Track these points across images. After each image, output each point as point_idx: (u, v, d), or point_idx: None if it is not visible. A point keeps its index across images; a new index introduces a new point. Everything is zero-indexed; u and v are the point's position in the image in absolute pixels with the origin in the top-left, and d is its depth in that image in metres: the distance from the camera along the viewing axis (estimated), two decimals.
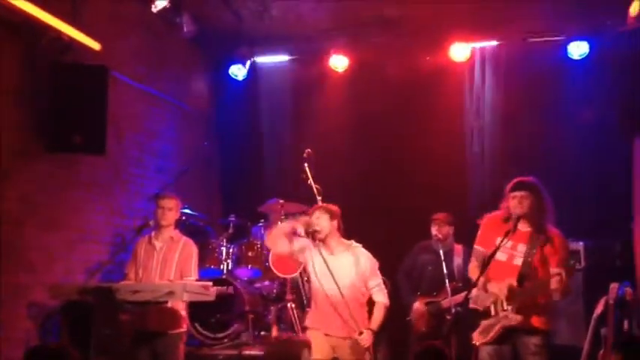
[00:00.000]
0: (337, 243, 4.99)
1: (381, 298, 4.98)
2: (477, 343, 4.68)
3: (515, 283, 4.55)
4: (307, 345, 3.75)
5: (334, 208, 5.06)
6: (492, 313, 4.64)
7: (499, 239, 4.56)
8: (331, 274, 4.82)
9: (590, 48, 7.26)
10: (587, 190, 7.19)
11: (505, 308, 4.58)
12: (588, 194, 7.16)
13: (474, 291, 4.69)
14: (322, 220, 4.93)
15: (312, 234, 4.92)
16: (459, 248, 6.34)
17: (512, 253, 4.63)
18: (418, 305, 6.27)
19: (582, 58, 7.32)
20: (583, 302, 6.10)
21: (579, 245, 6.44)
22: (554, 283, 4.46)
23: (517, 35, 7.69)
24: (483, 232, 4.86)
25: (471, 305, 4.78)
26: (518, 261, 4.61)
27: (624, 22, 6.68)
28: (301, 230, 4.94)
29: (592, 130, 7.22)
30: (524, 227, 4.68)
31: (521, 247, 4.63)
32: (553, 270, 4.54)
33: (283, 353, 3.57)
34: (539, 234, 4.63)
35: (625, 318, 5.21)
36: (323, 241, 4.96)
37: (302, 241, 5.02)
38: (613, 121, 6.75)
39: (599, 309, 5.21)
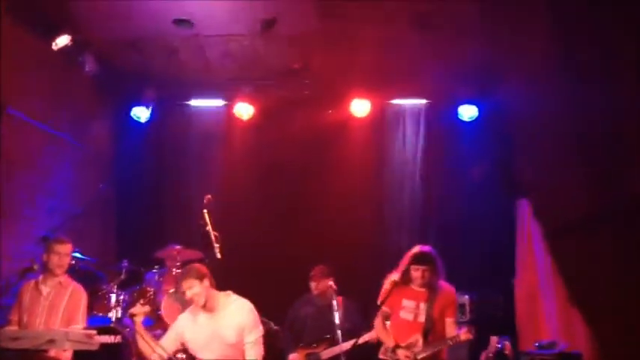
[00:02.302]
0: (215, 302, 4.78)
1: (252, 356, 4.72)
2: None
3: (421, 339, 5.15)
4: None
5: (199, 267, 4.84)
6: None
7: (404, 301, 5.28)
8: (212, 337, 4.71)
9: (479, 111, 7.71)
10: (473, 246, 7.54)
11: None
12: (474, 250, 7.51)
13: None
14: (195, 288, 4.69)
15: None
16: (339, 300, 6.43)
17: (417, 312, 5.26)
18: (295, 356, 6.34)
19: (472, 121, 7.75)
20: (467, 353, 6.33)
21: (465, 298, 6.74)
22: (452, 332, 5.16)
23: (413, 94, 8.07)
24: (385, 293, 5.27)
25: (381, 356, 5.34)
26: (422, 318, 5.24)
27: (510, 90, 7.15)
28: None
29: (479, 189, 7.61)
30: (422, 288, 5.31)
31: (423, 306, 5.25)
32: (447, 321, 5.26)
33: None
34: (435, 292, 5.27)
35: None
36: (203, 307, 4.76)
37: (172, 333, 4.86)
38: (499, 181, 7.15)
39: None
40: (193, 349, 4.82)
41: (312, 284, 6.49)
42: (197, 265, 4.90)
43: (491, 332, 5.67)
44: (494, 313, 6.89)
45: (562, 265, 5.42)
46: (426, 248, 5.37)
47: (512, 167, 6.82)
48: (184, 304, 5.05)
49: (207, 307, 4.79)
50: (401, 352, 5.16)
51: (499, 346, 5.45)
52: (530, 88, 5.38)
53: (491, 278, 7.26)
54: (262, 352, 4.84)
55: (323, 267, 6.51)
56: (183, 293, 4.79)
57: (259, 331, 4.85)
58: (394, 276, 5.30)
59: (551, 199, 5.33)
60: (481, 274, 7.25)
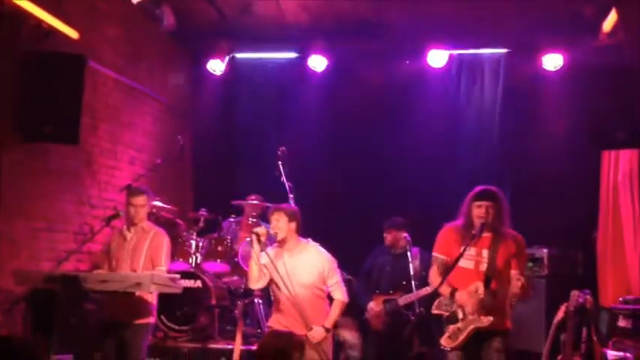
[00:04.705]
0: (295, 243, 5.03)
1: (339, 295, 5.06)
2: (448, 348, 4.79)
3: (482, 287, 4.67)
4: (301, 345, 3.77)
5: (293, 209, 5.14)
6: (460, 317, 4.76)
7: (463, 247, 4.70)
8: (289, 275, 4.86)
9: (565, 61, 7.35)
10: (553, 198, 7.30)
11: (474, 312, 4.70)
12: (555, 202, 7.26)
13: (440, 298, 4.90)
14: (281, 222, 4.97)
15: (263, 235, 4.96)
16: (415, 251, 6.44)
17: (478, 259, 4.77)
18: (374, 304, 6.42)
19: (557, 70, 7.40)
20: (544, 308, 6.23)
21: (543, 252, 6.58)
22: (514, 288, 4.65)
23: (493, 44, 7.81)
24: (443, 240, 4.98)
25: (435, 311, 4.93)
26: (484, 267, 4.75)
27: (598, 37, 6.82)
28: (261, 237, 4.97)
29: (561, 141, 7.36)
30: (485, 233, 4.81)
31: (485, 253, 4.76)
32: (514, 273, 4.70)
33: (278, 347, 3.58)
34: (500, 238, 4.79)
35: (584, 325, 5.32)
36: (282, 242, 5.01)
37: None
38: (582, 133, 6.88)
39: (559, 315, 5.30)
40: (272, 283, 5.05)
41: (387, 235, 6.52)
42: (294, 207, 5.19)
43: (570, 287, 5.49)
44: (573, 268, 6.70)
45: None
46: (491, 186, 4.89)
47: (603, 119, 6.50)
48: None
49: (286, 247, 5.03)
50: (459, 295, 4.70)
51: (580, 300, 5.25)
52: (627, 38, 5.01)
53: (572, 232, 7.05)
54: (346, 292, 5.11)
55: (398, 218, 6.54)
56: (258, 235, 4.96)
57: (339, 274, 5.14)
58: (453, 223, 4.93)
59: None
60: (561, 228, 7.04)
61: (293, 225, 5.00)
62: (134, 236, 5.38)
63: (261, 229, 5.00)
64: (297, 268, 4.96)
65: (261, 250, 4.94)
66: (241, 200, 7.05)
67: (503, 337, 4.78)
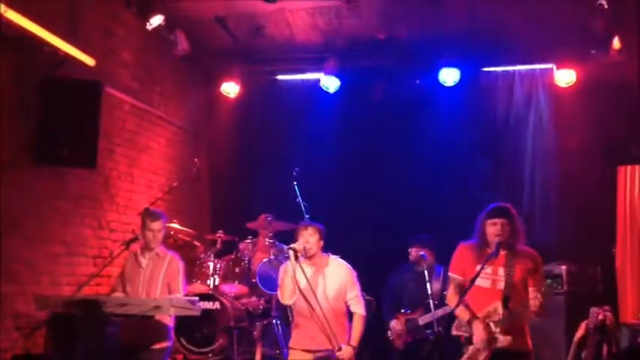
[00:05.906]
0: (321, 259, 5.12)
1: (358, 309, 5.09)
2: None
3: (501, 307, 4.63)
4: None
5: (322, 227, 5.18)
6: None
7: (479, 266, 4.64)
8: (314, 290, 4.92)
9: (577, 76, 7.36)
10: (570, 214, 7.31)
11: (493, 331, 4.64)
12: (572, 219, 7.28)
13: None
14: (314, 238, 5.05)
15: (300, 251, 5.00)
16: (439, 269, 6.48)
17: (494, 278, 4.72)
18: (396, 322, 6.45)
19: (569, 86, 7.40)
20: (564, 325, 6.18)
21: (561, 269, 6.54)
22: (532, 306, 4.60)
23: (505, 61, 7.85)
24: (458, 260, 4.94)
25: (454, 332, 4.86)
26: (501, 285, 4.70)
27: (609, 54, 6.84)
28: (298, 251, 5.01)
29: (577, 156, 7.36)
30: (501, 251, 4.75)
31: (501, 271, 4.72)
32: (531, 290, 4.67)
33: None
34: (515, 255, 4.75)
35: (604, 342, 5.27)
36: (310, 258, 5.06)
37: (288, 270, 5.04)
38: (596, 149, 6.88)
39: (579, 333, 5.25)
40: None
41: (411, 251, 6.55)
42: (321, 226, 5.20)
43: (589, 304, 5.45)
44: (592, 284, 6.65)
45: None
46: (504, 203, 4.83)
47: (616, 134, 6.52)
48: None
49: (313, 262, 5.09)
50: (477, 326, 4.64)
51: (600, 317, 5.20)
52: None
53: (590, 248, 7.01)
54: (364, 306, 5.13)
55: (422, 235, 6.57)
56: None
57: (359, 288, 5.17)
58: (468, 243, 4.88)
59: None
60: (579, 244, 7.02)
61: (321, 242, 5.10)
62: (150, 262, 5.39)
63: (298, 246, 5.01)
64: (321, 283, 5.03)
65: (295, 265, 4.95)
66: (254, 221, 7.08)
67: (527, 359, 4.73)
